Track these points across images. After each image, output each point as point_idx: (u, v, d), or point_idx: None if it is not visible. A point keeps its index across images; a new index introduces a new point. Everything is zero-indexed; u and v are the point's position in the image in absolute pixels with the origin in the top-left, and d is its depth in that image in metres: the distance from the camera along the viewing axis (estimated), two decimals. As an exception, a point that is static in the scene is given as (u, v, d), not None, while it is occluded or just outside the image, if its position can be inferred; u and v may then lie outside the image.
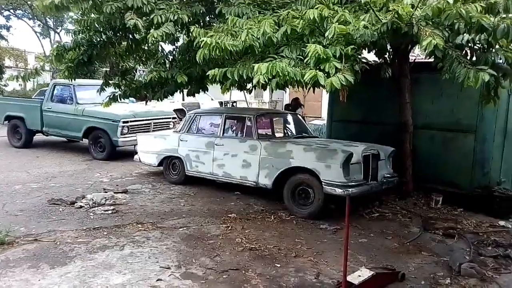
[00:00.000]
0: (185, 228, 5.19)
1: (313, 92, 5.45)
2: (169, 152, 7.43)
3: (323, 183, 5.48)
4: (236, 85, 7.13)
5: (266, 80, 4.41)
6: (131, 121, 9.52)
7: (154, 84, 6.47)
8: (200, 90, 7.11)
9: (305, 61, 4.58)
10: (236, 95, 18.69)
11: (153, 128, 10.02)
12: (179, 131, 7.46)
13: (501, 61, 4.79)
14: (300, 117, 7.62)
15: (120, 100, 7.38)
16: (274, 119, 7.22)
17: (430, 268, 4.28)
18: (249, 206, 6.23)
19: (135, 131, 9.39)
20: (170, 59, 6.84)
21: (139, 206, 6.09)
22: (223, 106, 17.16)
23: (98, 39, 6.86)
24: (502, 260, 4.52)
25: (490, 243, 4.97)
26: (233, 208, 6.13)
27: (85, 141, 10.22)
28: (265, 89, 7.88)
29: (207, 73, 4.94)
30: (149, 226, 5.22)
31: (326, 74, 4.31)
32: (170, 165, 7.54)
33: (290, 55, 4.87)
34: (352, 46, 4.55)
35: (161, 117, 10.45)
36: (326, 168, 5.50)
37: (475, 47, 5.06)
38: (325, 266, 4.23)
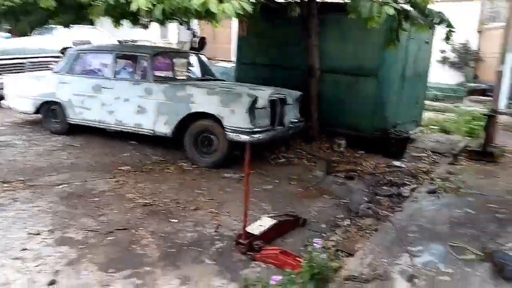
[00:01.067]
0: (65, 185, 4.40)
1: (217, 25, 4.77)
2: (47, 97, 6.30)
3: (227, 129, 5.02)
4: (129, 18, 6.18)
5: (150, 6, 3.66)
6: (-1, 60, 7.93)
7: (17, 12, 5.21)
8: (80, 22, 5.96)
9: None
10: (139, 35, 17.00)
11: (30, 68, 8.45)
12: (59, 72, 6.33)
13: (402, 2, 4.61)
14: (204, 57, 6.91)
15: None
16: (174, 59, 6.43)
17: (331, 211, 4.24)
18: (146, 157, 5.57)
19: (5, 71, 7.86)
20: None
21: (7, 161, 5.06)
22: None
23: None
24: (395, 198, 4.69)
25: (385, 183, 5.16)
26: (127, 160, 5.42)
27: None
28: (162, 24, 7.01)
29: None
30: (17, 185, 4.32)
31: (219, 1, 3.70)
32: (50, 111, 6.44)
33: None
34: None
35: (39, 55, 8.80)
36: (231, 113, 5.02)
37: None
38: (226, 217, 3.89)
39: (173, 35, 20.64)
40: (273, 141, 5.68)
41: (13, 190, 4.18)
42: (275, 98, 5.50)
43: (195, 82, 5.89)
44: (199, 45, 7.84)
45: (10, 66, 8.09)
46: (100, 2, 4.00)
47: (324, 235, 3.65)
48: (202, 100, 5.23)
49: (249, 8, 3.80)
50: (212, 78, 6.59)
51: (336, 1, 6.64)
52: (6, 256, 3.00)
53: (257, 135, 5.01)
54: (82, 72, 6.16)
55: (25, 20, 5.47)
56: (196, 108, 5.24)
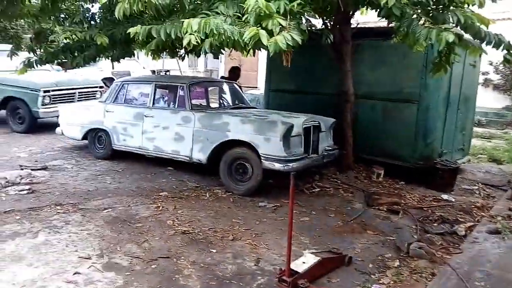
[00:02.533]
0: (110, 209, 4.61)
1: (253, 55, 4.87)
2: (94, 124, 6.68)
3: (262, 157, 5.08)
4: (168, 50, 6.47)
5: (199, 41, 3.81)
6: (52, 90, 8.54)
7: (72, 48, 5.65)
8: (126, 55, 6.36)
9: (243, 18, 3.99)
10: (169, 64, 17.69)
11: (78, 98, 9.06)
12: (105, 101, 6.71)
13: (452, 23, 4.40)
14: (237, 86, 7.11)
15: (37, 66, 6.38)
16: (209, 88, 6.64)
17: (377, 249, 4.01)
18: (182, 183, 5.72)
19: (58, 101, 8.47)
20: (89, 18, 5.98)
21: (60, 184, 5.39)
22: (155, 75, 16.25)
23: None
24: (449, 237, 4.32)
25: (435, 219, 4.78)
26: (164, 185, 5.60)
27: (3, 112, 9.07)
28: (198, 56, 7.26)
29: (129, 32, 4.25)
30: (69, 208, 4.59)
31: (269, 33, 3.77)
32: (96, 138, 6.81)
33: (226, 11, 4.24)
34: (298, 1, 3.93)
35: (87, 86, 9.47)
36: (265, 141, 5.09)
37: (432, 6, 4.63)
38: (265, 250, 3.86)
39: (201, 63, 21.35)
40: (307, 170, 5.65)
41: (65, 213, 4.45)
42: (309, 125, 5.51)
43: (230, 111, 6.05)
44: (230, 74, 8.06)
45: (62, 96, 8.70)
46: (155, 37, 4.20)
47: (372, 276, 3.46)
48: (237, 128, 5.34)
49: (299, 39, 3.79)
50: (245, 106, 6.72)
51: (372, 26, 6.64)
52: (60, 279, 3.18)
53: (291, 164, 5.03)
54: (125, 101, 6.50)
55: (80, 56, 5.89)
56: (231, 136, 5.35)
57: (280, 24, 3.74)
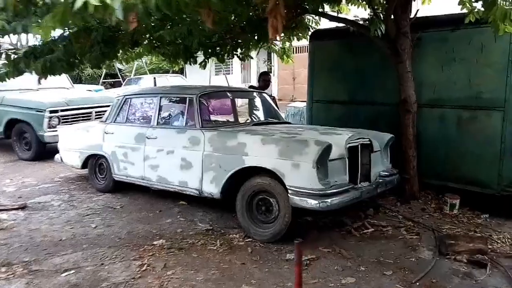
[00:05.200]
0: (72, 271, 3.31)
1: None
2: (93, 149, 5.53)
3: (289, 190, 3.67)
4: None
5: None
6: (62, 110, 7.55)
7: (38, 52, 4.37)
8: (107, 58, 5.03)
9: None
10: (219, 81, 16.78)
11: (96, 118, 8.03)
12: (105, 121, 5.57)
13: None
14: (267, 97, 5.70)
15: (8, 79, 5.18)
16: (227, 100, 5.33)
17: None
18: (190, 225, 4.39)
19: (70, 123, 7.47)
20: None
21: (27, 231, 4.20)
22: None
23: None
24: None
25: None
26: (166, 229, 4.29)
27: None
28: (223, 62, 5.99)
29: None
30: (17, 269, 3.35)
31: None
32: (97, 166, 5.67)
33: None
34: None
35: (105, 104, 8.39)
36: (293, 168, 3.67)
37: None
38: None
39: (254, 77, 20.13)
40: (356, 204, 4.17)
41: (8, 279, 3.21)
42: (355, 144, 4.05)
43: (250, 128, 4.63)
44: (261, 83, 6.50)
45: (76, 117, 7.70)
46: None
47: None
48: (257, 151, 3.96)
49: None
50: (276, 121, 5.32)
51: (436, 14, 5.14)
52: None
53: (330, 199, 3.57)
54: (127, 120, 5.30)
55: (39, 61, 4.61)
56: (248, 161, 3.98)
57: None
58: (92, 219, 4.58)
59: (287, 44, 6.93)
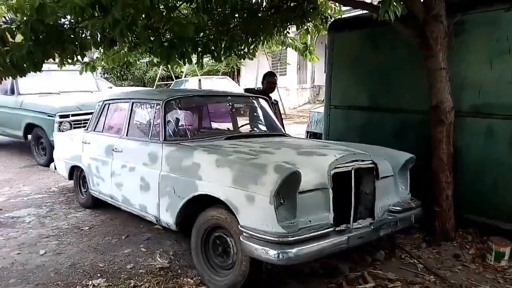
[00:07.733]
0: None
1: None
2: (75, 160, 4.97)
3: (243, 233, 2.70)
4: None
5: None
6: (73, 115, 7.20)
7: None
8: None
9: None
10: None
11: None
12: (87, 129, 4.97)
13: None
14: (263, 102, 4.66)
15: None
16: (203, 106, 4.41)
17: None
18: (148, 258, 3.58)
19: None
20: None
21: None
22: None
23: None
24: None
25: None
26: (117, 262, 3.52)
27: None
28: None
29: None
30: None
31: None
32: (80, 179, 5.12)
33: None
34: None
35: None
36: (248, 201, 2.69)
37: None
38: None
39: (309, 78, 18.89)
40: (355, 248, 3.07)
41: None
42: (345, 169, 2.95)
43: (215, 143, 3.60)
44: (267, 85, 5.30)
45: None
46: None
47: None
48: (210, 175, 3.03)
49: None
50: (267, 132, 4.29)
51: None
52: None
53: (294, 249, 2.54)
54: (103, 129, 4.64)
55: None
56: (202, 187, 3.06)
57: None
58: (48, 243, 3.96)
59: (308, 38, 5.84)
